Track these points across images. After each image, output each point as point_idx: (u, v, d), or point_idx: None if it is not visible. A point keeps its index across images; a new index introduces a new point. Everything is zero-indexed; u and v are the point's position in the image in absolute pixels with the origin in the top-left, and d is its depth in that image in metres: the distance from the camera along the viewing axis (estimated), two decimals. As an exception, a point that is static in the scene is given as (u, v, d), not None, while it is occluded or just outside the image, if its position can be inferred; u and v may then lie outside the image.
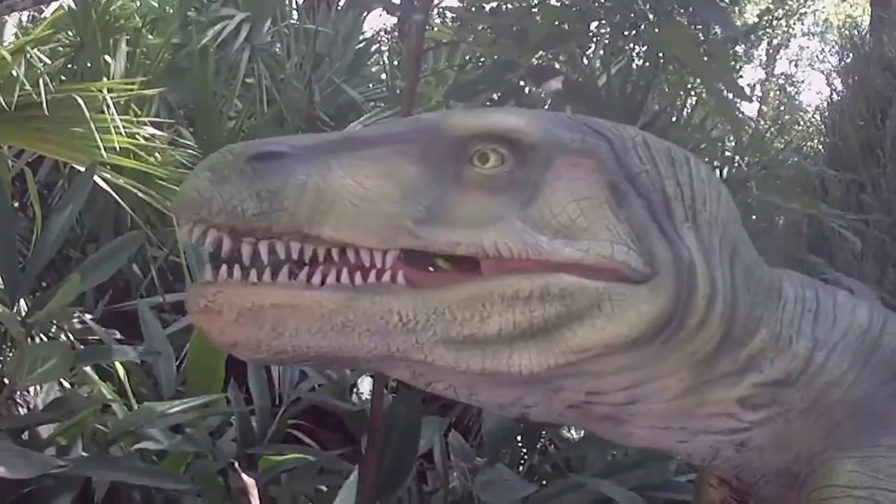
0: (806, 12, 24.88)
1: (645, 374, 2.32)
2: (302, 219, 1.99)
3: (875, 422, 2.62)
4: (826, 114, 9.10)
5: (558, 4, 5.05)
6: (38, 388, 3.96)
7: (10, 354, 3.91)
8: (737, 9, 19.72)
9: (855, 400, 2.61)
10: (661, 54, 6.64)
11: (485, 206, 2.13)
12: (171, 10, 7.24)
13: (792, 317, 2.60)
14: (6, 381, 3.67)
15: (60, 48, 5.95)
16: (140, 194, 4.90)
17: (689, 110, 7.77)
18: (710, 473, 3.12)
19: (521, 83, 3.79)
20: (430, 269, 2.15)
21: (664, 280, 2.21)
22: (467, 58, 7.27)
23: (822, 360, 2.58)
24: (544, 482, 4.53)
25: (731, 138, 7.51)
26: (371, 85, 8.29)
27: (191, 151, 5.51)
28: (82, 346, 4.23)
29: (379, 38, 12.00)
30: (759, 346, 2.49)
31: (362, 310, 2.02)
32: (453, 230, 2.08)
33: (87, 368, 4.10)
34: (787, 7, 24.16)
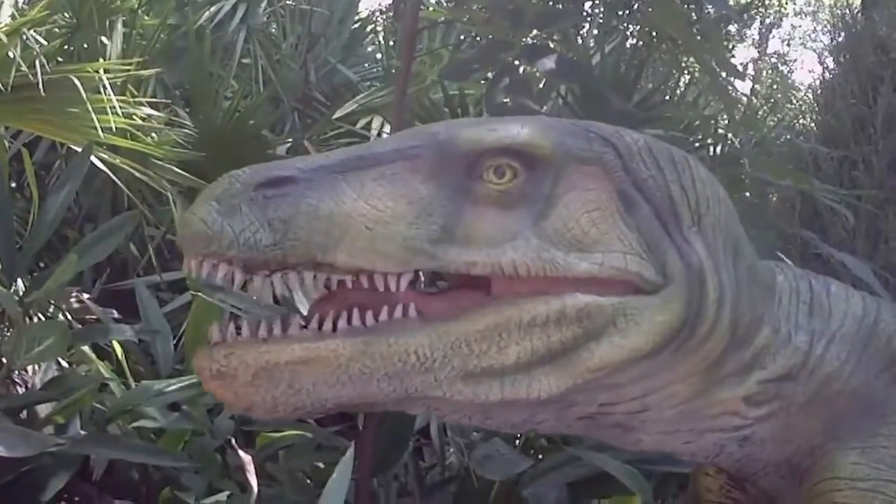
0: (798, -9, 24.88)
1: (656, 383, 2.33)
2: (315, 247, 1.94)
3: (874, 411, 2.64)
4: (818, 92, 9.12)
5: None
6: (36, 367, 3.95)
7: (8, 334, 3.91)
8: (730, -13, 19.66)
9: (854, 390, 2.63)
10: (654, 33, 6.68)
11: (499, 223, 2.10)
12: (168, -10, 7.24)
13: (788, 311, 2.62)
14: (4, 360, 3.69)
15: (57, 29, 5.92)
16: (137, 174, 4.93)
17: (683, 89, 7.80)
18: None
19: (516, 62, 3.79)
20: (436, 288, 2.16)
21: (676, 289, 2.21)
22: (462, 37, 7.28)
23: (820, 353, 2.60)
24: (540, 456, 4.54)
25: (724, 116, 7.52)
26: (366, 65, 8.27)
27: (187, 131, 5.53)
28: (80, 326, 4.23)
29: (374, 18, 11.96)
30: (762, 343, 2.50)
31: (379, 354, 1.98)
32: (469, 250, 2.05)
33: (85, 347, 4.10)
34: (779, -15, 24.15)
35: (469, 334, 2.05)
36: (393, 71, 7.20)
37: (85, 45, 5.85)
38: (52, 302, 4.18)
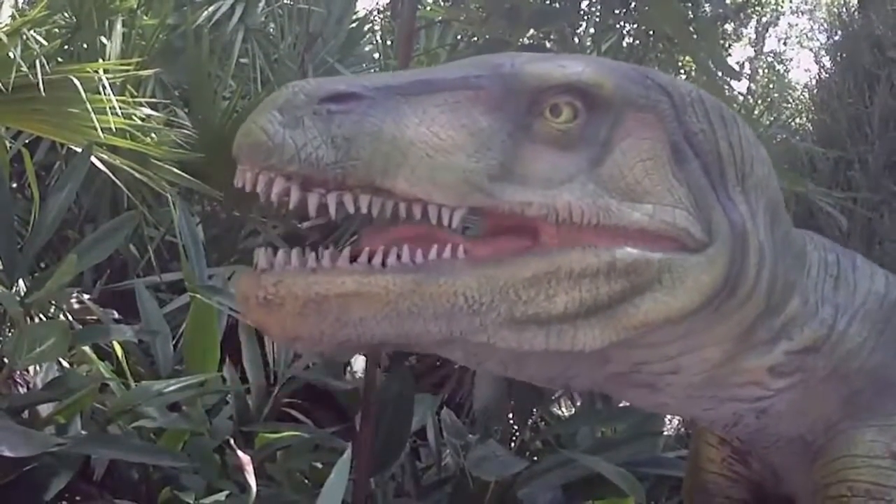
0: (795, -10, 24.87)
1: (691, 345, 2.30)
2: (376, 171, 1.85)
3: (891, 389, 2.64)
4: (815, 91, 9.13)
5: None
6: (37, 367, 3.98)
7: (10, 334, 3.94)
8: (726, -14, 19.67)
9: (873, 368, 2.62)
10: (651, 32, 6.68)
11: (556, 164, 2.04)
12: (166, -10, 7.25)
13: (816, 282, 2.59)
14: (6, 360, 3.71)
15: (56, 29, 5.94)
16: (136, 174, 4.94)
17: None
18: (709, 433, 3.09)
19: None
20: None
21: (720, 248, 2.18)
22: (459, 37, 7.28)
23: (843, 328, 2.58)
24: (535, 458, 4.58)
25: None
26: (364, 64, 8.27)
27: (186, 132, 5.54)
28: (80, 326, 4.25)
29: (372, 18, 11.97)
30: (792, 313, 2.47)
31: (429, 294, 1.91)
32: (525, 189, 1.99)
33: (86, 348, 4.13)
34: (776, -15, 24.15)
35: (518, 280, 1.99)
36: (390, 70, 7.21)
37: (84, 46, 5.87)
38: (53, 302, 4.21)
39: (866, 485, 2.54)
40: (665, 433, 5.72)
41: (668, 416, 7.35)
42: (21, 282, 4.08)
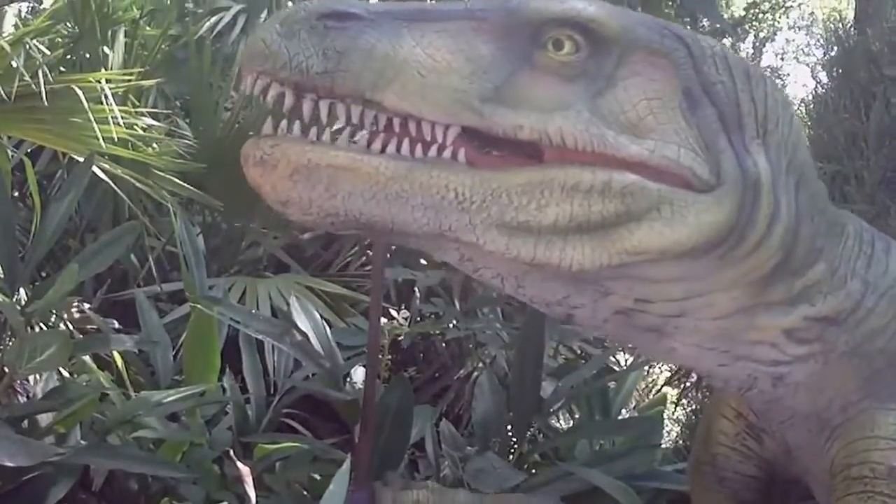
0: (792, 6, 24.79)
1: (697, 287, 2.30)
2: (366, 83, 1.97)
3: None
4: (811, 106, 9.12)
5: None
6: (37, 376, 3.98)
7: (10, 343, 3.94)
8: (724, 1, 19.73)
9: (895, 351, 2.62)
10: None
11: (554, 93, 2.10)
12: (169, 1, 7.25)
13: (850, 255, 2.59)
14: (6, 369, 3.70)
15: (59, 39, 5.97)
16: (138, 184, 4.97)
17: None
18: (726, 405, 3.11)
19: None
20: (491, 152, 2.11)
21: (728, 192, 2.18)
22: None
23: (871, 305, 2.58)
24: (533, 471, 4.58)
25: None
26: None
27: (187, 142, 5.56)
28: (81, 335, 4.25)
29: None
30: (815, 277, 2.47)
31: (419, 182, 2.00)
32: (518, 113, 2.05)
33: (86, 357, 4.14)
34: (773, 0, 24.13)
35: (511, 185, 2.04)
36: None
37: (87, 56, 5.89)
38: (54, 311, 4.21)
39: (889, 467, 2.54)
40: (663, 446, 5.72)
41: (667, 429, 7.40)
42: (22, 291, 4.09)
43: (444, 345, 6.03)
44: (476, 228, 2.05)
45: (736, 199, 2.19)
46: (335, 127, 2.03)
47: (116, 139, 4.78)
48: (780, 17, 24.83)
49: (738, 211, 2.20)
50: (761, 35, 24.00)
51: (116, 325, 4.54)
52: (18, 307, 3.92)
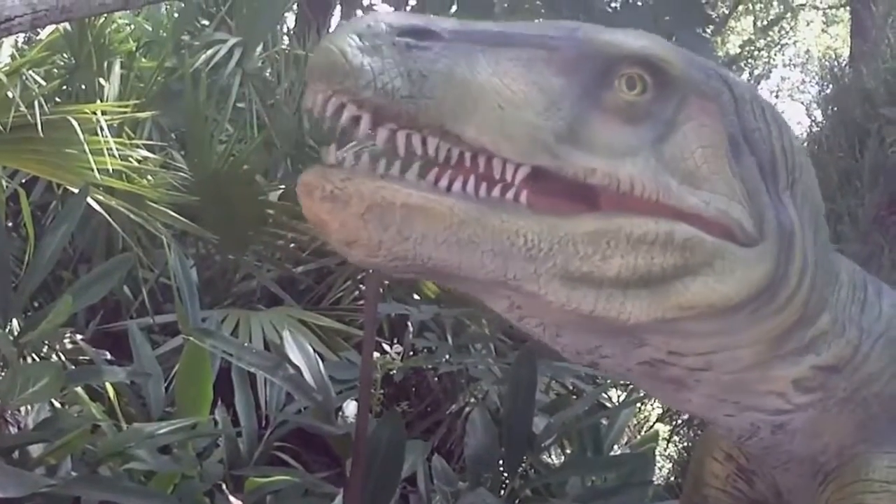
0: (787, 43, 24.96)
1: (727, 342, 2.25)
2: (448, 113, 1.79)
3: None
4: (805, 144, 9.15)
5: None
6: (29, 407, 3.97)
7: (3, 374, 3.94)
8: (719, 39, 19.85)
9: (891, 395, 2.60)
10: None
11: (622, 135, 2.00)
12: (165, 34, 7.28)
13: (846, 301, 2.55)
14: (-2, 400, 3.70)
15: (55, 70, 5.99)
16: (132, 216, 4.97)
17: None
18: (716, 447, 3.06)
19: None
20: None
21: (770, 247, 2.15)
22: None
23: (867, 351, 2.54)
24: (524, 507, 4.58)
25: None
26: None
27: (182, 174, 5.57)
28: (73, 367, 4.26)
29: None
30: (822, 327, 2.43)
31: (491, 226, 1.86)
32: (591, 155, 1.94)
33: (78, 388, 4.12)
34: (768, 38, 24.25)
35: (577, 234, 1.93)
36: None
37: (83, 87, 5.92)
38: (47, 342, 4.22)
39: None
40: (655, 483, 5.71)
41: (659, 466, 7.38)
42: (15, 321, 4.09)
43: (436, 379, 6.02)
44: (540, 279, 1.94)
45: (776, 254, 2.16)
46: (396, 160, 1.83)
47: (111, 170, 4.78)
48: (775, 55, 24.96)
49: (777, 266, 2.17)
50: (756, 73, 24.10)
51: (109, 356, 4.54)
52: (11, 338, 3.93)
